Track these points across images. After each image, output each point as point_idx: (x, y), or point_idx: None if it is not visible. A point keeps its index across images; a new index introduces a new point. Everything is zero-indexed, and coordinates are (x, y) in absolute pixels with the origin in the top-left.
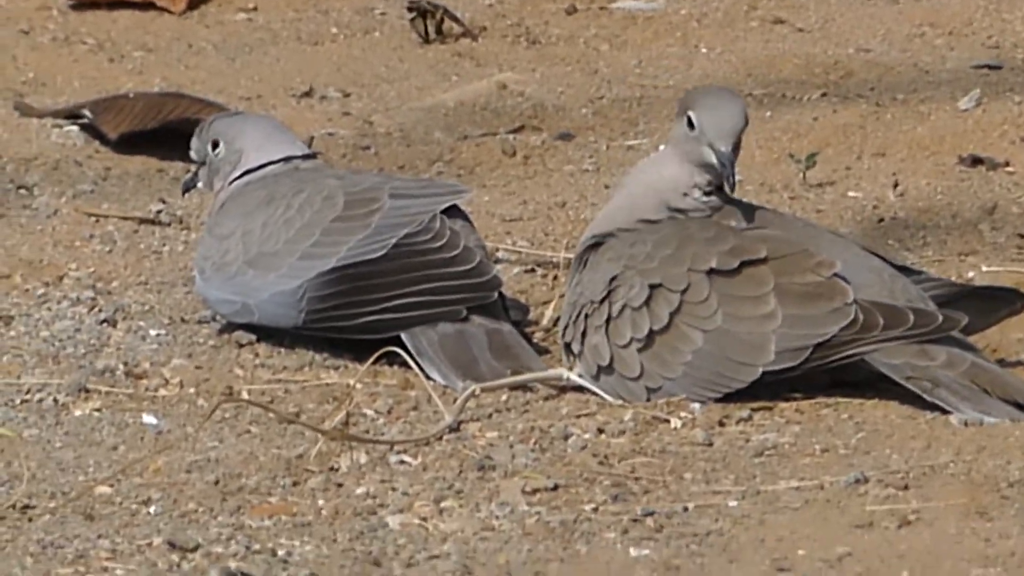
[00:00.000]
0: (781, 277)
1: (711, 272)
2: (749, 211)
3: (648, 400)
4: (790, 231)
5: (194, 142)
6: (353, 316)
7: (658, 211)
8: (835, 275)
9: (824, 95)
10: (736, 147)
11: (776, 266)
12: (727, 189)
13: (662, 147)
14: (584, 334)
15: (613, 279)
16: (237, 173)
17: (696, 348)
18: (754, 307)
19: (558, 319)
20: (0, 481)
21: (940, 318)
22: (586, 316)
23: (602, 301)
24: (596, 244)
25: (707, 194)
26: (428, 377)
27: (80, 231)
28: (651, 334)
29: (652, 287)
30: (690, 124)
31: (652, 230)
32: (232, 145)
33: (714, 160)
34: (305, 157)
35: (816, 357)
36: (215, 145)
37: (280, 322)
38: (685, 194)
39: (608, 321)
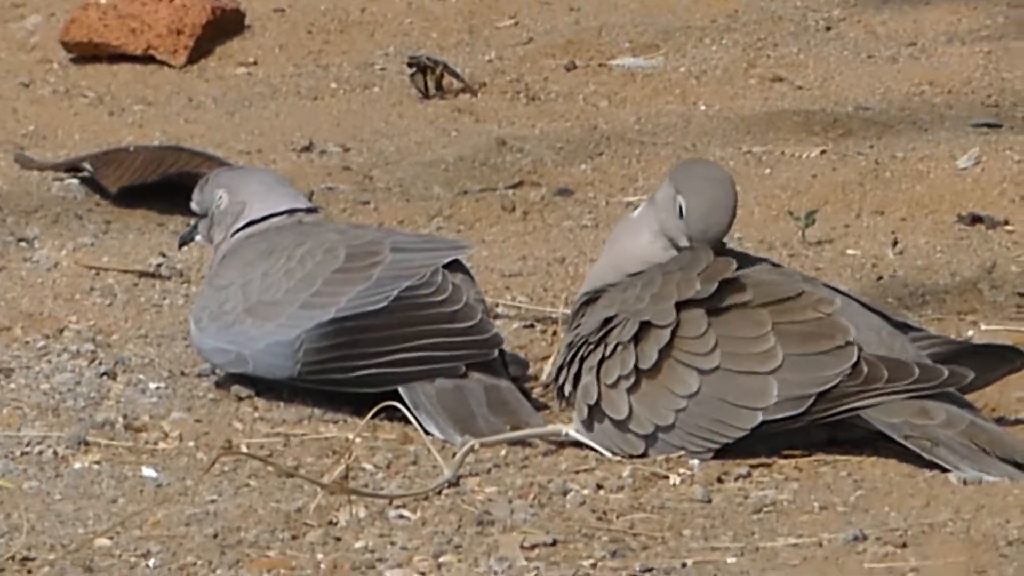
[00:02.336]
0: (779, 316)
1: (708, 311)
2: (747, 260)
3: (644, 452)
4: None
5: (196, 195)
6: (350, 369)
7: (643, 268)
8: (834, 314)
9: (823, 153)
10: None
11: (774, 307)
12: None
13: (642, 207)
14: (577, 376)
15: (608, 320)
16: (239, 224)
17: (691, 393)
18: (753, 345)
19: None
20: (0, 533)
21: (945, 373)
22: (581, 358)
23: (598, 343)
24: (591, 299)
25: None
26: (427, 432)
27: (80, 284)
28: (639, 372)
29: (642, 324)
30: (679, 210)
31: (639, 276)
32: (235, 197)
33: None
34: (308, 211)
35: (819, 408)
36: (218, 198)
37: (275, 373)
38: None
39: (601, 362)
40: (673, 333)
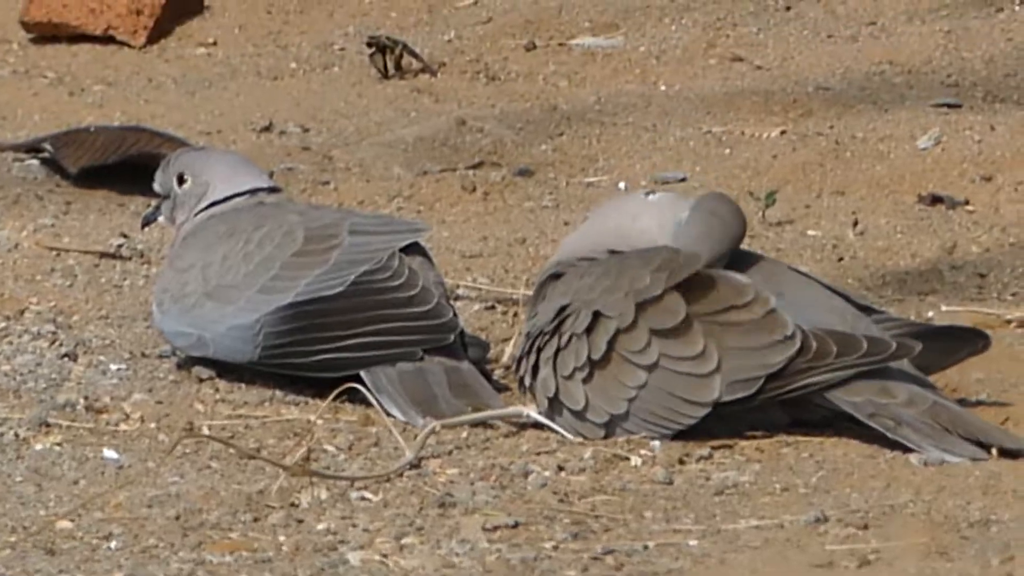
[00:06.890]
0: (714, 318)
1: (640, 304)
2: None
3: (605, 437)
4: (752, 268)
5: (159, 176)
6: (309, 353)
7: (621, 246)
8: (772, 310)
9: (783, 133)
10: None
11: (693, 297)
12: None
13: (653, 196)
14: (536, 367)
15: (562, 309)
16: (202, 206)
17: (640, 384)
18: (686, 348)
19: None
20: None
21: (894, 345)
22: (538, 349)
23: (552, 333)
24: (555, 275)
25: None
26: (388, 414)
27: (41, 265)
28: (592, 364)
29: (595, 315)
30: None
31: (598, 263)
32: (198, 178)
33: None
34: (270, 190)
35: (771, 388)
36: (181, 179)
37: (235, 356)
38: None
39: (557, 352)
40: (616, 325)
